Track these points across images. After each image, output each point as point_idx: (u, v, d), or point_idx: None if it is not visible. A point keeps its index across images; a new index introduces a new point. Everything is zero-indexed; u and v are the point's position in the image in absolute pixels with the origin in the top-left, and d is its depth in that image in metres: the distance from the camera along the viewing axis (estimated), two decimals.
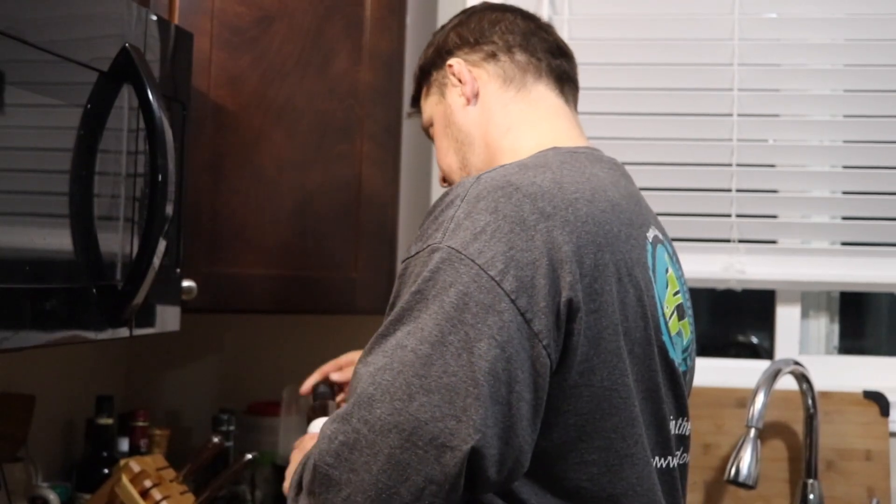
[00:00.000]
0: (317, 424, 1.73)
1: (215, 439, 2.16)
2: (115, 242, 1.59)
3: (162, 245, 1.57)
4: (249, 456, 2.17)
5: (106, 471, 2.21)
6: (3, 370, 2.15)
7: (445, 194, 1.38)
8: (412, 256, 1.34)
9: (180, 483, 2.07)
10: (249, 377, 2.68)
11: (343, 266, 2.23)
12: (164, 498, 1.97)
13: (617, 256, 1.38)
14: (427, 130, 1.74)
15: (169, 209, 1.57)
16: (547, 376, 1.30)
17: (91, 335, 1.56)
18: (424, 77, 1.71)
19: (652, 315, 1.44)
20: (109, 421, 2.28)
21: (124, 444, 2.38)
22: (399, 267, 1.37)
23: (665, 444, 1.47)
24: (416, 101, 1.77)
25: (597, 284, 1.34)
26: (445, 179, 1.68)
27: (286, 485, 1.49)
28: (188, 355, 2.72)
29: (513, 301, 1.28)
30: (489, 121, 1.60)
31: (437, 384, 1.24)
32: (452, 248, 1.30)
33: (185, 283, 1.93)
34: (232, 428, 2.45)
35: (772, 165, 2.63)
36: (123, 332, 1.63)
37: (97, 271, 1.54)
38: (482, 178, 1.37)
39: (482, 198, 1.33)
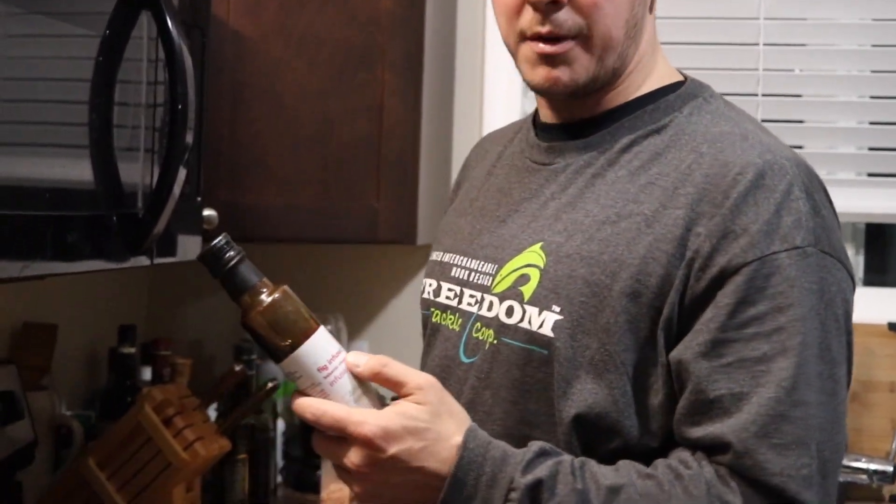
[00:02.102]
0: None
1: (237, 368, 2.17)
2: (136, 172, 1.58)
3: (182, 173, 1.56)
4: (271, 384, 2.17)
5: (129, 399, 2.22)
6: (24, 299, 2.16)
7: (762, 176, 1.21)
8: (769, 255, 1.18)
9: (203, 412, 2.08)
10: None
11: (364, 195, 2.22)
12: (187, 426, 1.97)
13: None
14: None
15: (189, 137, 1.55)
16: None
17: (112, 264, 1.55)
18: None
19: None
20: (132, 350, 2.29)
21: (147, 373, 2.39)
22: (749, 267, 1.19)
23: None
24: None
25: None
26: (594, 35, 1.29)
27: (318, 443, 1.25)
28: (210, 284, 2.70)
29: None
30: (642, 32, 1.36)
31: (843, 407, 1.23)
32: (825, 253, 1.21)
33: (206, 212, 1.93)
34: (254, 357, 2.46)
35: (798, 95, 2.60)
36: (144, 260, 1.62)
37: (118, 200, 1.53)
38: (795, 161, 1.24)
39: (813, 189, 1.23)
